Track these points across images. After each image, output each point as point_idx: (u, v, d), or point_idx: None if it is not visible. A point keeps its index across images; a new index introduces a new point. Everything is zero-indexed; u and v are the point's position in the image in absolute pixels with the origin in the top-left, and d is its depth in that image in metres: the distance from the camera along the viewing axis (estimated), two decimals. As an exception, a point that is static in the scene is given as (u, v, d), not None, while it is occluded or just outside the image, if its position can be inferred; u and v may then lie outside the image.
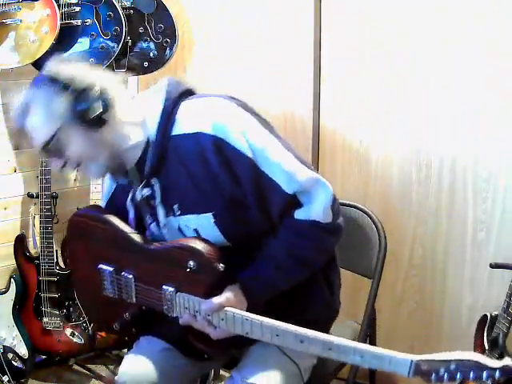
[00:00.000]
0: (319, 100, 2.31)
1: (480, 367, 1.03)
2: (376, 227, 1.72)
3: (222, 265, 1.29)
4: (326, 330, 1.49)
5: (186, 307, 1.32)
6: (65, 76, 1.31)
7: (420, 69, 2.02)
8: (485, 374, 1.03)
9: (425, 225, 2.09)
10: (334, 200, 1.38)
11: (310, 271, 1.42)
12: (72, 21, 2.30)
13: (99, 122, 1.32)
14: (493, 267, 1.80)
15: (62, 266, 2.50)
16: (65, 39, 2.29)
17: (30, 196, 2.55)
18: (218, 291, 1.29)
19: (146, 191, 1.41)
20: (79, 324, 2.49)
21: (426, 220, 2.09)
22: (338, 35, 2.22)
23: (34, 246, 2.58)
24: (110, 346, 2.60)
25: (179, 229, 1.41)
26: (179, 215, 1.39)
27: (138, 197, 1.43)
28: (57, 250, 2.50)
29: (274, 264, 1.36)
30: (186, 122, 1.36)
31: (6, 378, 2.36)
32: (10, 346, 2.42)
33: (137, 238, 1.41)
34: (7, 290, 2.45)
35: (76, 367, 2.62)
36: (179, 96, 1.40)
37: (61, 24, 2.25)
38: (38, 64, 2.32)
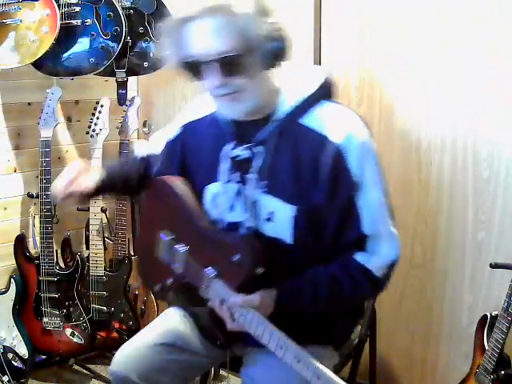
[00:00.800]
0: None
1: None
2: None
3: (261, 268, 1.32)
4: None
5: (218, 293, 1.36)
6: (267, 4, 1.33)
7: (420, 72, 2.02)
8: None
9: (425, 225, 2.10)
10: (395, 263, 1.40)
11: (338, 308, 1.47)
12: (72, 21, 2.30)
13: (274, 64, 1.33)
14: (493, 267, 1.80)
15: (62, 265, 2.51)
16: (65, 39, 2.29)
17: (30, 196, 2.55)
18: (249, 290, 1.33)
19: (247, 153, 1.42)
20: (79, 324, 2.49)
21: (426, 220, 2.10)
22: (337, 36, 2.22)
23: (34, 246, 2.58)
24: (110, 345, 2.60)
25: (254, 203, 1.41)
26: (263, 192, 1.40)
27: (235, 154, 1.44)
28: (57, 250, 2.51)
29: (313, 292, 1.38)
30: (321, 119, 1.38)
31: (5, 378, 2.36)
32: (9, 346, 2.43)
33: (201, 218, 1.48)
34: (7, 290, 2.45)
35: (76, 367, 2.62)
36: (325, 95, 1.43)
37: (61, 24, 2.24)
38: (38, 64, 2.33)
